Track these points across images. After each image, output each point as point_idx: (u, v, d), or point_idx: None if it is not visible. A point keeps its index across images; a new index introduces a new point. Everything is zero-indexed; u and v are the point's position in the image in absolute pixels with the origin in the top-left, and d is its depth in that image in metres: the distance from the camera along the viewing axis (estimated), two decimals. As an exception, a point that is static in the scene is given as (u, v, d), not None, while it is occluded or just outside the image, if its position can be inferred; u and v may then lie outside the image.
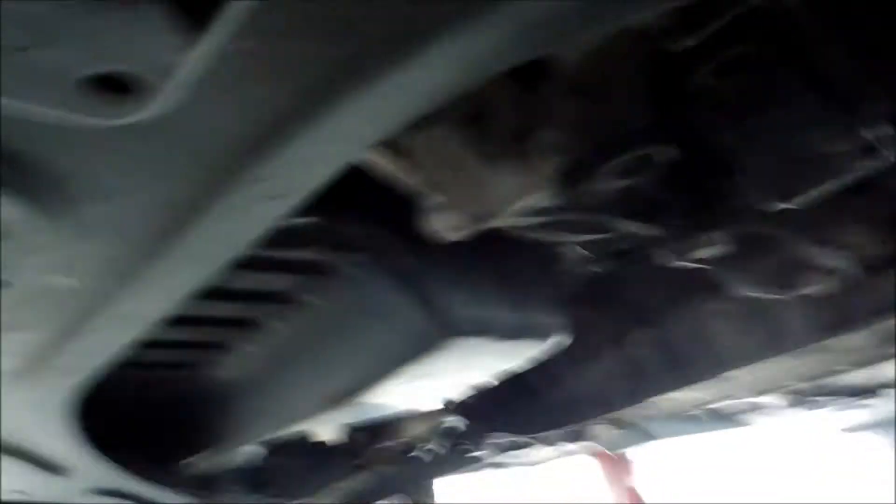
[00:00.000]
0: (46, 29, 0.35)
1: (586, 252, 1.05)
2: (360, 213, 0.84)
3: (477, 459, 2.08)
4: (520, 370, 1.03)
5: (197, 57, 0.38)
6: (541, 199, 0.74)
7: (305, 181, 0.52)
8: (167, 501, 1.31)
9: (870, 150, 0.66)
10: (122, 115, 0.41)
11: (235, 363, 1.05)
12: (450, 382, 1.01)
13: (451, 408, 1.58)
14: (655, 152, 0.76)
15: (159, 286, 0.62)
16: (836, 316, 1.19)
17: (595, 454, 3.22)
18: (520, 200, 0.70)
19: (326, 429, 1.24)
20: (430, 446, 1.65)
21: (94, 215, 0.51)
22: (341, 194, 0.83)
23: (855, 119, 0.66)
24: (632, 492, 3.50)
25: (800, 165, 0.70)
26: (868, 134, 0.64)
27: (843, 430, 3.15)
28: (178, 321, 0.91)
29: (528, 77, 0.69)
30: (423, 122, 0.69)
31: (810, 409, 2.44)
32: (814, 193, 0.71)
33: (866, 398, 2.63)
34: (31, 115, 0.40)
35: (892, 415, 3.47)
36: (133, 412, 1.17)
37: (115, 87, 0.39)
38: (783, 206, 0.73)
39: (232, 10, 0.36)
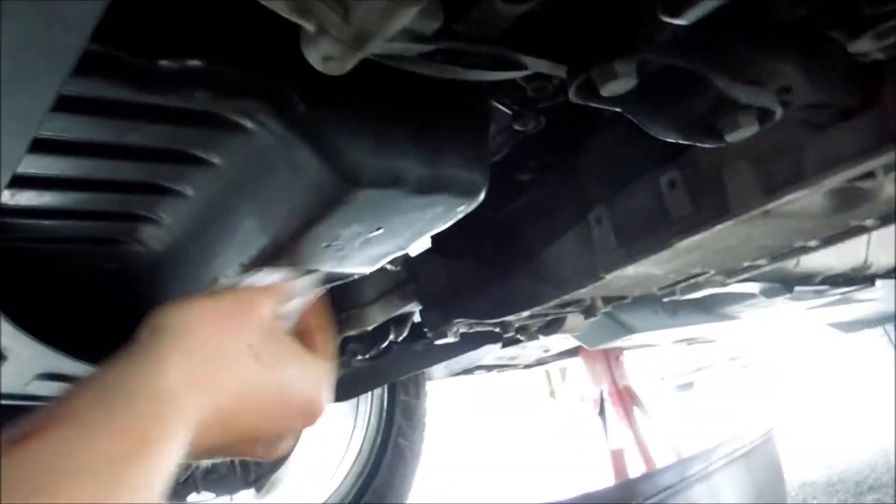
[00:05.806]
0: None
1: (506, 108, 1.01)
2: (254, 57, 0.79)
3: (452, 352, 2.09)
4: (437, 230, 1.01)
5: None
6: (420, 23, 0.70)
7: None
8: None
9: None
10: None
11: (158, 234, 1.03)
12: (373, 245, 0.99)
13: (407, 296, 1.57)
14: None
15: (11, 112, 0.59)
16: (784, 176, 1.15)
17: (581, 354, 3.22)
18: (391, 22, 0.65)
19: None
20: (391, 335, 1.66)
21: None
22: (230, 36, 0.79)
23: None
24: (624, 391, 3.47)
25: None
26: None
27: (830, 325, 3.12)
28: (84, 185, 0.89)
29: None
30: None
31: (794, 300, 2.42)
32: (705, 5, 0.66)
33: (856, 291, 2.61)
34: None
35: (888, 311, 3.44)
36: (67, 294, 1.17)
37: None
38: (676, 21, 0.68)
39: None
